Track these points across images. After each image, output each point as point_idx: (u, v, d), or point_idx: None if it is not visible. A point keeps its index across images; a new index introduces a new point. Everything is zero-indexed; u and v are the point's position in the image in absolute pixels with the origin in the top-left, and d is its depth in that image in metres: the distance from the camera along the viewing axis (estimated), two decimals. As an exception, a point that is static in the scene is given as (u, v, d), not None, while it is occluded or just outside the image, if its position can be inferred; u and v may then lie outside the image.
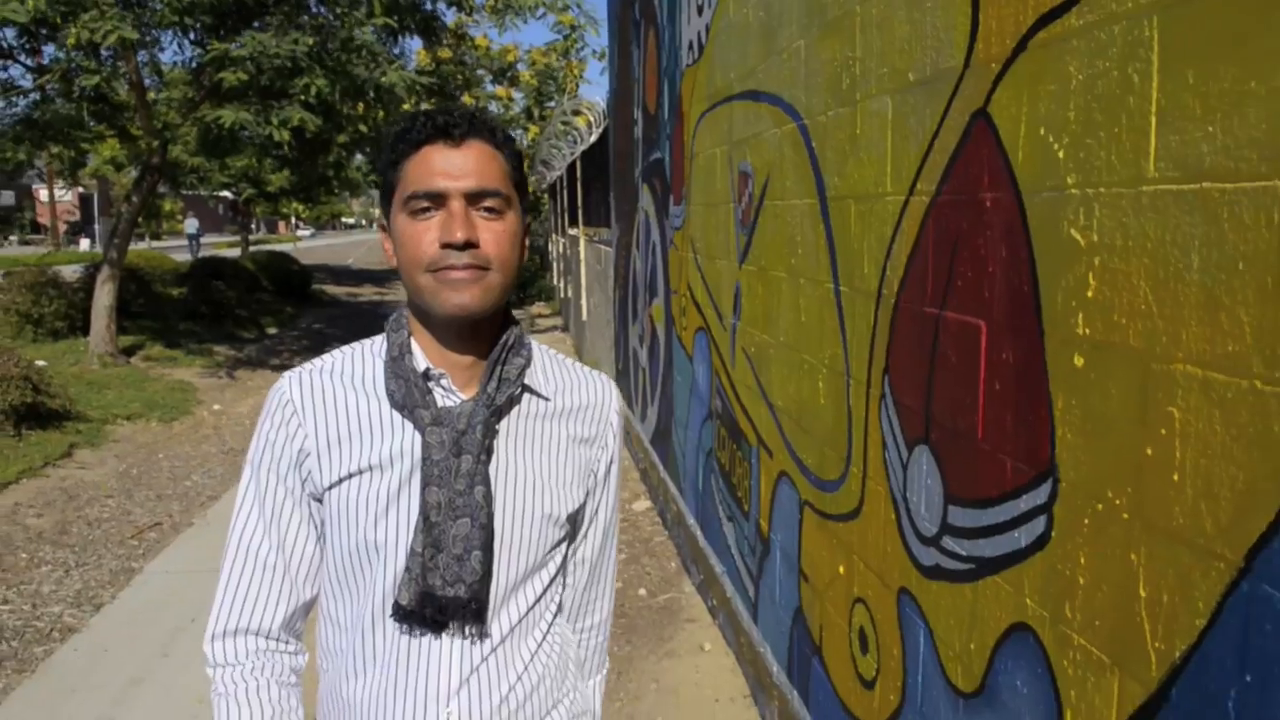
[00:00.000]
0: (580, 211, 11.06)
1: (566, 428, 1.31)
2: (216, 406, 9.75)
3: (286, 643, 1.27)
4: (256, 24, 10.21)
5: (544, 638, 1.32)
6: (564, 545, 1.33)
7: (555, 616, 1.35)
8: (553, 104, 21.58)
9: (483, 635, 1.24)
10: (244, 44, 8.55)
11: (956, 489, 1.78)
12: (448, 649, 1.23)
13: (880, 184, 2.09)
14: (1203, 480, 1.14)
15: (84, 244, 42.61)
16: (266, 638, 1.25)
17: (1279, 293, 1.02)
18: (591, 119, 9.99)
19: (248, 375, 11.62)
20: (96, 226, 41.54)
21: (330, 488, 1.23)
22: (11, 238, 50.49)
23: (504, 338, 1.24)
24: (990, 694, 1.70)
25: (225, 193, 22.70)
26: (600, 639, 1.47)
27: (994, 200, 1.59)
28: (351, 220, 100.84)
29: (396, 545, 1.21)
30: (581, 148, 9.85)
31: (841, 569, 2.45)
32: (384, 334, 1.27)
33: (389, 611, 1.21)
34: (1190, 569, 1.17)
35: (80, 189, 46.08)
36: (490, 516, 1.21)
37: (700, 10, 3.98)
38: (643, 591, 4.65)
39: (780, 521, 3.03)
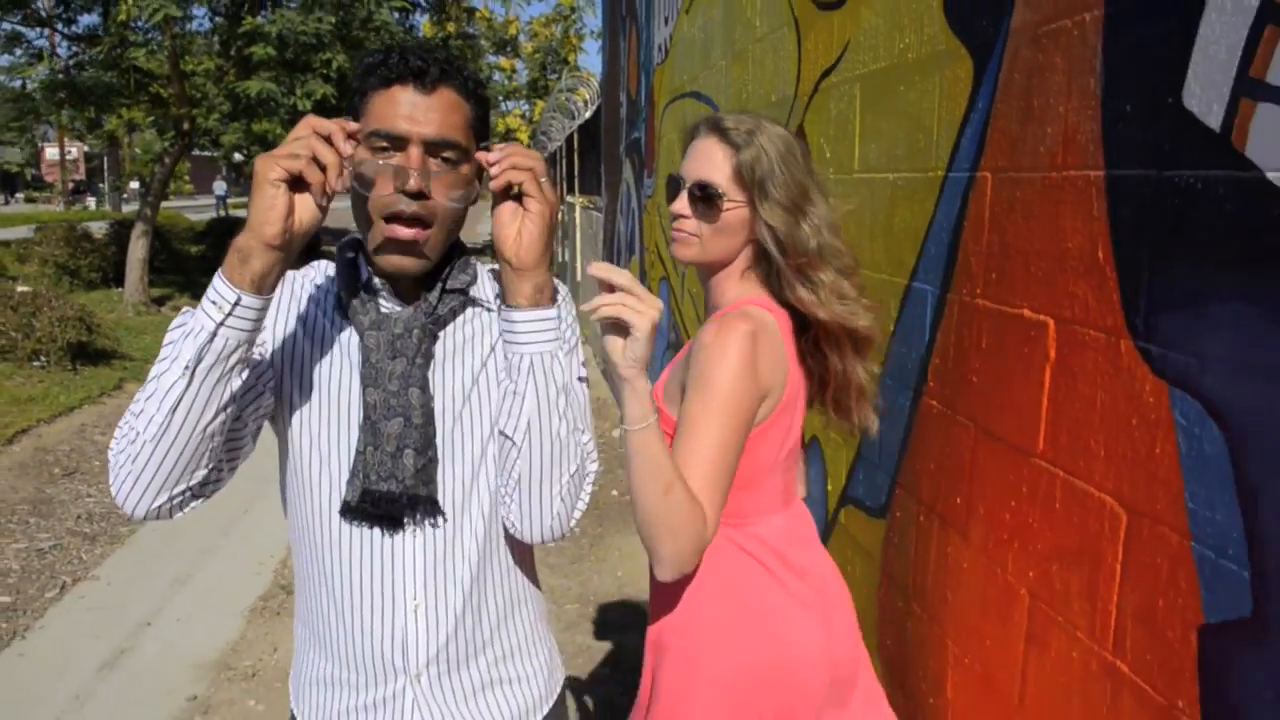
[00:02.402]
0: (576, 181, 12.01)
1: None
2: (243, 351, 10.78)
3: None
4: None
5: (504, 540, 1.35)
6: None
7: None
8: (555, 75, 22.30)
9: (440, 532, 1.28)
10: (274, 20, 9.49)
11: (789, 363, 2.82)
12: (409, 546, 1.27)
13: (759, 167, 3.11)
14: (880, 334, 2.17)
15: (90, 202, 43.34)
16: None
17: (893, 224, 2.04)
18: (587, 96, 10.92)
19: (268, 326, 12.65)
20: (105, 186, 42.39)
21: (283, 386, 1.28)
22: (18, 195, 51.11)
23: (452, 259, 1.30)
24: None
25: (237, 155, 23.50)
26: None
27: (804, 180, 2.61)
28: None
29: (344, 445, 1.27)
30: (577, 123, 10.80)
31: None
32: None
33: (340, 511, 1.26)
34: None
35: (87, 148, 46.78)
36: (427, 417, 1.24)
37: (666, 21, 4.97)
38: (615, 493, 5.69)
39: (708, 416, 4.07)
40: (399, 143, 1.18)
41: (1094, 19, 1.31)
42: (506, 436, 1.25)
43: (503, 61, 24.32)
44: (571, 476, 1.27)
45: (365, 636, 1.29)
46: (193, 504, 1.20)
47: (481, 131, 1.26)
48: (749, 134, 1.52)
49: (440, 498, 1.27)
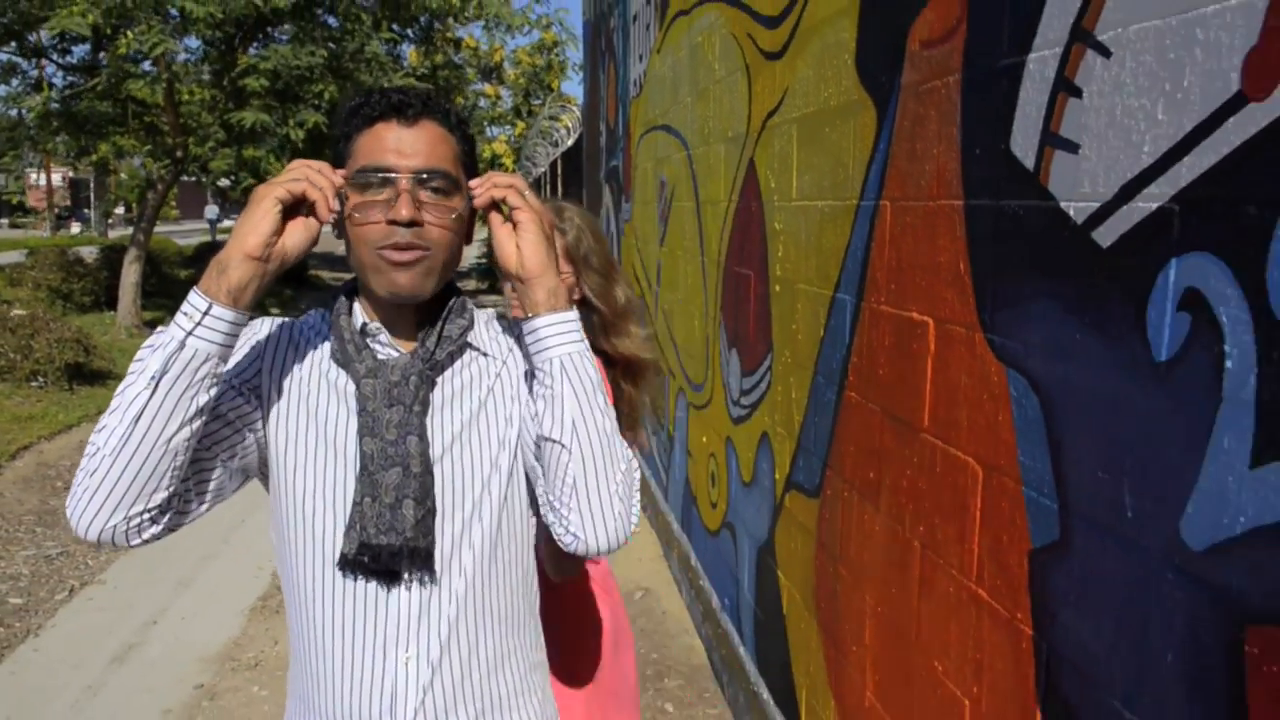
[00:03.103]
0: (559, 205, 12.37)
1: (510, 375, 1.33)
2: (234, 372, 11.06)
3: None
4: (271, 30, 11.53)
5: (501, 584, 1.32)
6: (519, 493, 1.33)
7: (517, 565, 1.35)
8: (539, 101, 22.71)
9: (434, 583, 1.25)
10: (268, 56, 9.86)
11: (744, 367, 3.16)
12: (402, 598, 1.25)
13: (718, 194, 3.46)
14: (804, 334, 2.51)
15: (75, 228, 43.46)
16: None
17: (821, 245, 2.38)
18: (569, 123, 11.31)
19: (258, 348, 12.92)
20: (92, 211, 42.59)
21: (276, 436, 1.26)
22: (2, 220, 51.16)
23: (448, 304, 1.29)
24: (755, 483, 3.07)
25: (223, 180, 23.81)
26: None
27: (754, 206, 2.96)
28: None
29: (340, 496, 1.24)
30: (559, 150, 11.17)
31: (704, 439, 3.82)
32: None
33: (337, 564, 1.24)
34: (803, 377, 2.54)
35: (72, 174, 46.98)
36: (425, 466, 1.22)
37: (641, 58, 5.34)
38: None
39: (679, 422, 4.40)
40: (387, 177, 1.17)
41: (955, 81, 1.66)
42: (554, 441, 1.21)
43: (487, 88, 24.74)
44: (624, 474, 1.25)
45: (353, 691, 1.26)
46: (151, 530, 1.16)
47: (469, 165, 1.27)
48: (568, 219, 1.94)
49: (436, 548, 1.25)
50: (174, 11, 10.05)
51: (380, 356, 1.25)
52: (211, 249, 19.08)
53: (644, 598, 4.53)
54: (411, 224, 1.17)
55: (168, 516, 1.17)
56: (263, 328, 1.30)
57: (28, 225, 45.94)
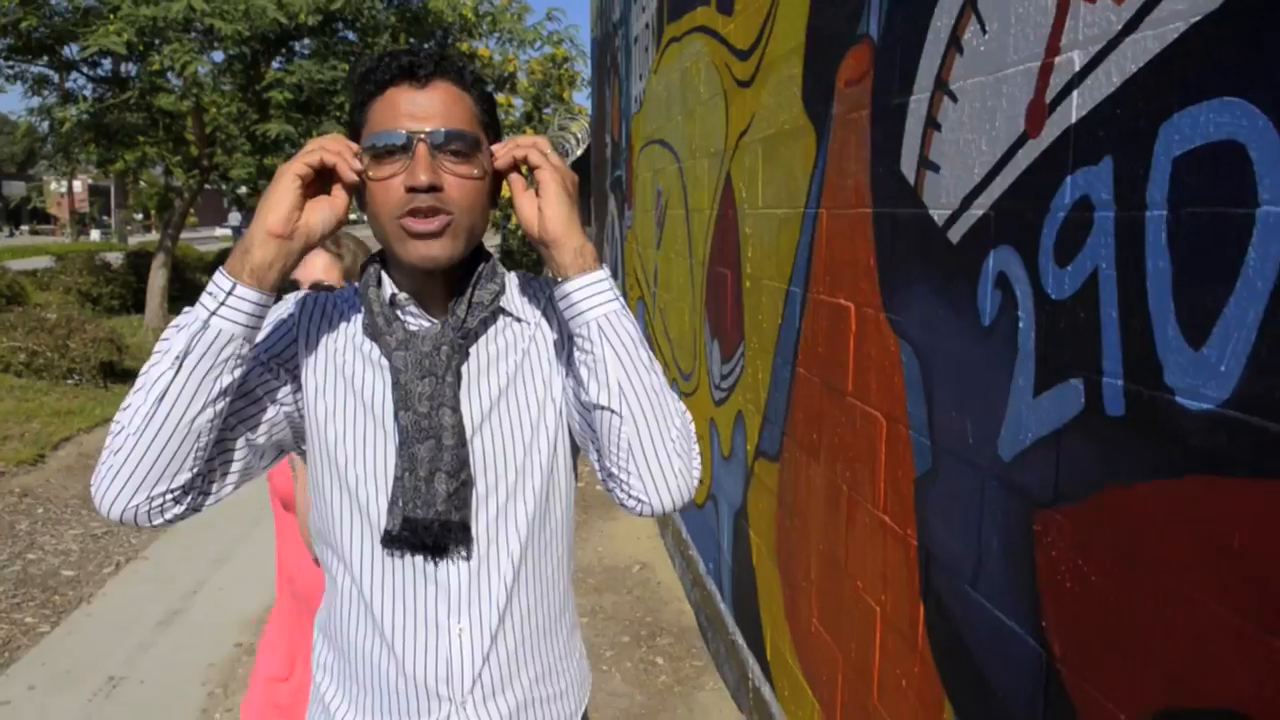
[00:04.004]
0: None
1: (545, 338, 1.30)
2: (258, 372, 11.54)
3: None
4: (293, 45, 12.04)
5: (550, 551, 1.31)
6: (565, 459, 1.32)
7: (563, 531, 1.34)
8: (549, 110, 23.20)
9: (479, 554, 1.24)
10: (293, 70, 10.37)
11: (723, 355, 3.59)
12: (450, 571, 1.23)
13: (703, 203, 3.90)
14: (767, 323, 2.95)
15: (94, 234, 44.21)
16: None
17: (779, 245, 2.81)
18: (578, 133, 11.77)
19: (279, 350, 13.41)
20: (111, 219, 43.37)
21: (315, 407, 1.25)
22: (23, 227, 51.99)
23: (478, 269, 1.24)
24: (732, 455, 3.50)
25: (242, 188, 24.39)
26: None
27: (730, 213, 3.40)
28: (354, 216, 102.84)
29: (381, 466, 1.22)
30: (569, 161, 11.63)
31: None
32: None
33: (381, 540, 1.22)
34: (767, 360, 2.97)
35: (91, 181, 47.78)
36: (459, 439, 1.20)
37: (641, 77, 5.79)
38: (598, 487, 6.45)
39: (672, 410, 4.84)
40: (405, 141, 1.13)
41: (866, 114, 2.09)
42: (604, 407, 1.17)
43: (500, 98, 25.24)
44: (680, 428, 1.22)
45: (410, 665, 1.25)
46: (174, 510, 1.15)
47: (490, 124, 1.22)
48: (345, 245, 2.17)
49: (477, 519, 1.24)
50: (200, 26, 10.57)
51: (411, 328, 1.22)
52: (232, 255, 19.63)
53: (641, 570, 4.97)
54: (431, 188, 1.13)
55: (190, 497, 1.17)
56: (294, 302, 1.30)
57: (54, 230, 46.64)
